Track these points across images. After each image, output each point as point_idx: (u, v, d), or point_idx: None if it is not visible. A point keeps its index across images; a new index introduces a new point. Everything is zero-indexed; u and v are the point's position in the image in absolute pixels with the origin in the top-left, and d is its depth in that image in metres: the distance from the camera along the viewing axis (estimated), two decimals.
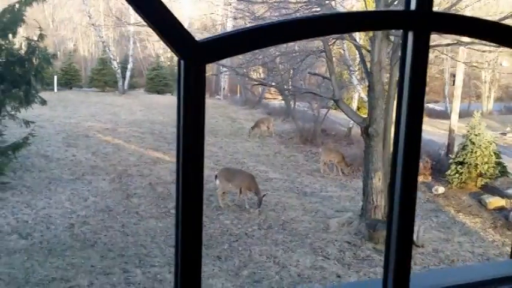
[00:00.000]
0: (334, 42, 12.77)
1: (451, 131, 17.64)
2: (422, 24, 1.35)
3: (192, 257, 1.20)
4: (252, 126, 19.19)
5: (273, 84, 16.37)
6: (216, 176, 11.56)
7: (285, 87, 17.28)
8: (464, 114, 21.13)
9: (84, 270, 7.59)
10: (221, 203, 11.15)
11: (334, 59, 22.54)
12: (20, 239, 8.59)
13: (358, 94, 20.54)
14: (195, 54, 1.13)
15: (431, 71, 29.03)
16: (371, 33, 10.72)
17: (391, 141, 11.83)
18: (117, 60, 31.03)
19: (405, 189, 1.41)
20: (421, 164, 14.72)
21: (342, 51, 18.81)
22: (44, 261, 7.77)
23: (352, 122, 17.08)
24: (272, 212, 11.10)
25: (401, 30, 1.40)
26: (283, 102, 24.99)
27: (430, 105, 30.10)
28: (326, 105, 20.44)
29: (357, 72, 18.91)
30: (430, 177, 14.22)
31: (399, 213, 1.40)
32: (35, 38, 12.49)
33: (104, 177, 12.69)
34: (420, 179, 14.08)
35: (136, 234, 9.21)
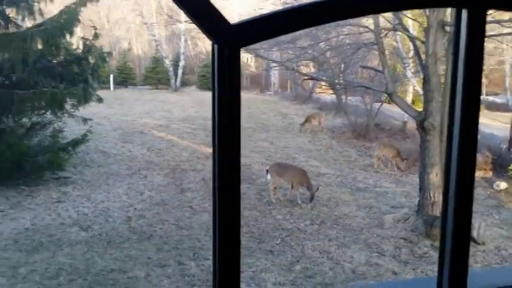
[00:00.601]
0: (386, 34, 12.41)
1: None
2: (478, 0, 1.24)
3: (229, 255, 1.17)
4: (303, 122, 19.05)
5: (324, 78, 16.14)
6: (267, 171, 11.57)
7: (336, 81, 17.03)
8: None
9: (141, 262, 7.80)
10: (273, 198, 11.14)
11: (386, 51, 21.99)
12: (81, 231, 8.93)
13: (413, 87, 19.94)
14: (230, 38, 1.08)
15: (490, 62, 27.71)
16: (425, 24, 10.35)
17: None
18: (169, 58, 31.70)
19: (461, 184, 1.30)
20: (481, 159, 14.15)
21: (395, 43, 18.28)
22: (103, 252, 8.05)
23: (407, 115, 16.59)
24: (325, 208, 10.97)
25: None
26: (334, 96, 24.66)
27: (490, 98, 28.72)
28: (379, 99, 19.97)
29: (411, 65, 18.34)
30: (491, 173, 13.60)
31: (454, 209, 1.31)
32: (91, 38, 12.98)
33: (158, 172, 13.00)
34: (480, 174, 13.49)
35: (190, 227, 9.36)
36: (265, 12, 1.14)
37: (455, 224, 1.33)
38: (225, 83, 1.13)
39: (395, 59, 19.89)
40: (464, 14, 1.22)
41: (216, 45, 1.09)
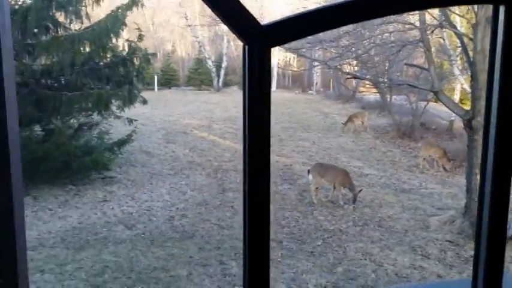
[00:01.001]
0: (432, 31, 12.04)
1: None
2: None
3: (259, 255, 1.14)
4: (345, 121, 18.79)
5: (367, 77, 15.85)
6: (308, 171, 11.47)
7: (380, 79, 16.69)
8: None
9: (183, 261, 7.89)
10: (314, 199, 11.03)
11: (433, 49, 21.38)
12: (125, 229, 9.14)
13: (461, 85, 19.27)
14: (260, 38, 1.09)
15: None
16: (473, 20, 9.98)
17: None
18: (212, 59, 32.04)
19: (497, 183, 1.25)
20: None
21: (442, 41, 17.73)
22: (146, 251, 8.20)
23: (454, 114, 16.07)
24: (367, 209, 10.76)
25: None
26: (378, 95, 24.20)
27: None
28: (425, 98, 19.43)
29: (458, 62, 17.73)
30: None
31: (490, 209, 1.26)
32: (135, 40, 13.28)
33: (200, 172, 13.14)
34: None
35: (231, 227, 9.40)
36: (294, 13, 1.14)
37: (490, 224, 1.27)
38: (255, 84, 1.14)
39: (442, 57, 19.31)
40: (502, 10, 1.16)
41: (246, 46, 1.10)
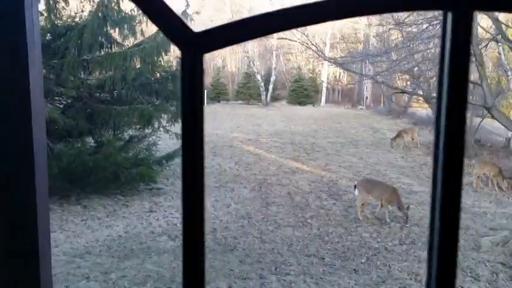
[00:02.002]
0: (486, 45, 11.62)
1: None
2: (463, 2, 1.11)
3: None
4: (394, 137, 18.35)
5: (415, 91, 15.47)
6: (355, 186, 11.25)
7: (432, 94, 16.22)
8: None
9: (224, 274, 7.89)
10: (360, 215, 10.79)
11: (490, 63, 20.56)
12: (169, 240, 9.27)
13: None
14: (193, 45, 1.14)
15: None
16: None
17: None
18: (261, 74, 32.32)
19: (447, 192, 1.18)
20: None
21: (498, 55, 17.09)
22: None
23: (511, 132, 15.37)
24: (416, 227, 10.40)
25: None
26: (431, 111, 23.53)
27: None
28: (481, 114, 18.70)
29: None
30: None
31: (441, 215, 1.22)
32: None
33: (245, 185, 13.18)
34: None
35: (273, 241, 9.34)
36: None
37: (441, 233, 1.22)
38: (188, 90, 1.20)
39: (500, 71, 18.59)
40: (449, 16, 1.13)
41: (181, 52, 1.18)
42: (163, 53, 12.64)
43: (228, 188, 12.89)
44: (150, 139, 13.14)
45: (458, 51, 1.18)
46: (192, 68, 1.16)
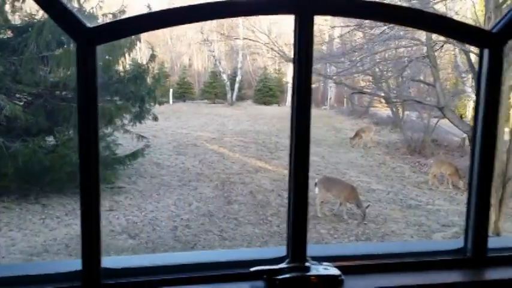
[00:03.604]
0: (441, 47, 12.08)
1: None
2: (305, 7, 1.37)
3: None
4: (352, 136, 18.79)
5: (374, 92, 15.90)
6: (315, 184, 11.50)
7: (392, 95, 16.68)
8: None
9: None
10: (319, 212, 11.05)
11: (449, 66, 21.22)
12: (129, 238, 9.29)
13: (473, 102, 19.16)
14: (86, 38, 1.31)
15: None
16: None
17: (504, 152, 10.86)
18: (227, 73, 32.39)
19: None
20: None
21: (454, 57, 17.73)
22: None
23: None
24: (372, 224, 10.74)
25: None
26: (391, 112, 24.14)
27: None
28: (439, 115, 19.32)
29: (471, 79, 17.66)
30: None
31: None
32: (149, 56, 13.66)
33: (208, 184, 13.26)
34: None
35: (233, 239, 9.48)
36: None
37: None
38: (83, 80, 1.35)
39: (457, 73, 19.26)
40: (297, 21, 1.37)
41: (76, 45, 1.34)
42: (126, 54, 12.63)
43: (191, 187, 12.94)
44: (110, 138, 13.05)
45: (302, 52, 1.40)
46: (85, 59, 1.32)
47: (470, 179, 1.70)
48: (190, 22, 1.41)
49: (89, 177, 1.36)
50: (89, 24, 1.33)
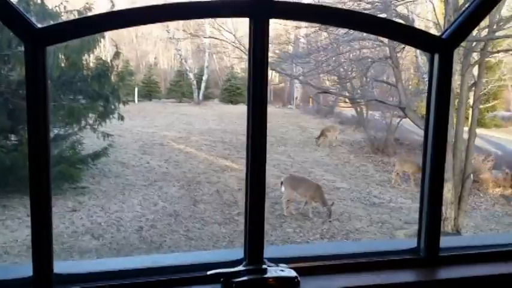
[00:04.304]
0: (403, 48, 12.39)
1: None
2: (261, 12, 1.41)
3: None
4: (318, 135, 19.03)
5: (337, 92, 16.16)
6: (281, 183, 11.61)
7: (352, 95, 16.97)
8: None
9: None
10: (285, 211, 11.16)
11: (412, 67, 21.71)
12: (92, 239, 9.15)
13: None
14: (36, 39, 1.31)
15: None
16: None
17: (463, 151, 11.26)
18: (194, 72, 32.19)
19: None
20: (500, 175, 13.85)
21: (415, 58, 18.19)
22: None
23: None
24: (336, 222, 10.93)
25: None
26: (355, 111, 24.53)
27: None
28: (402, 115, 19.75)
29: None
30: (510, 190, 13.29)
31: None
32: (114, 54, 13.44)
33: (174, 183, 13.19)
34: (499, 191, 13.21)
35: (199, 238, 9.48)
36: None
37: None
38: (31, 81, 1.35)
39: (419, 73, 19.74)
40: (251, 23, 1.43)
41: (24, 46, 1.35)
42: (89, 52, 12.41)
43: (157, 187, 12.84)
44: (75, 137, 12.81)
45: (257, 54, 1.45)
46: (34, 60, 1.32)
47: (422, 181, 1.78)
48: (142, 24, 1.44)
49: (39, 179, 1.36)
50: (39, 25, 1.33)
